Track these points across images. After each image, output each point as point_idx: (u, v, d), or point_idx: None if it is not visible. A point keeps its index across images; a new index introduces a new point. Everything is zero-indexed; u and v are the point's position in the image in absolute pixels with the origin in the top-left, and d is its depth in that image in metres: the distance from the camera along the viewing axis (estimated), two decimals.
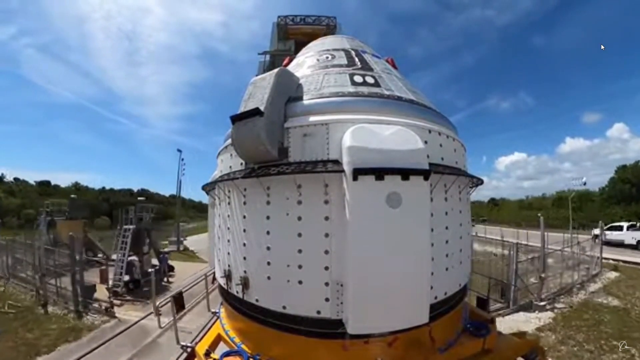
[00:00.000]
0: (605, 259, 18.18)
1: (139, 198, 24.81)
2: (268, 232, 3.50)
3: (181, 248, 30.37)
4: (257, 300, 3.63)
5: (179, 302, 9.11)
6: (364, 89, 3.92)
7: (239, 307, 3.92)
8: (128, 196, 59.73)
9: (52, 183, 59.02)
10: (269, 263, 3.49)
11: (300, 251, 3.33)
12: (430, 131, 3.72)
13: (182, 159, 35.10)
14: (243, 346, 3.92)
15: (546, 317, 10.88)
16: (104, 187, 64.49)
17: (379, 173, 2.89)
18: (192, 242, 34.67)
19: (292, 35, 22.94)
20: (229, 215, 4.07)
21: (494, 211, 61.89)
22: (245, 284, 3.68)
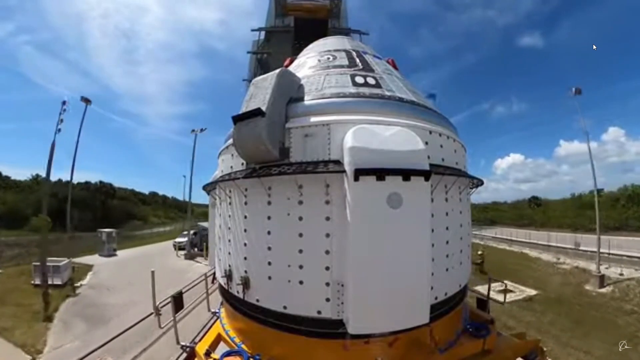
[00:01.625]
0: None
1: None
2: (269, 232, 3.51)
3: (61, 281, 15.58)
4: (257, 300, 3.63)
5: (178, 302, 9.11)
6: (365, 90, 3.94)
7: (240, 307, 3.93)
8: (84, 190, 47.96)
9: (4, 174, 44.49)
10: (269, 263, 3.50)
11: (301, 251, 3.34)
12: (430, 132, 3.73)
13: (64, 105, 21.08)
14: (243, 346, 3.92)
15: None
16: (59, 180, 47.22)
17: (380, 173, 2.90)
18: (122, 260, 22.94)
19: (291, 12, 22.00)
20: (230, 215, 4.08)
21: (537, 213, 49.11)
22: (245, 283, 3.69)
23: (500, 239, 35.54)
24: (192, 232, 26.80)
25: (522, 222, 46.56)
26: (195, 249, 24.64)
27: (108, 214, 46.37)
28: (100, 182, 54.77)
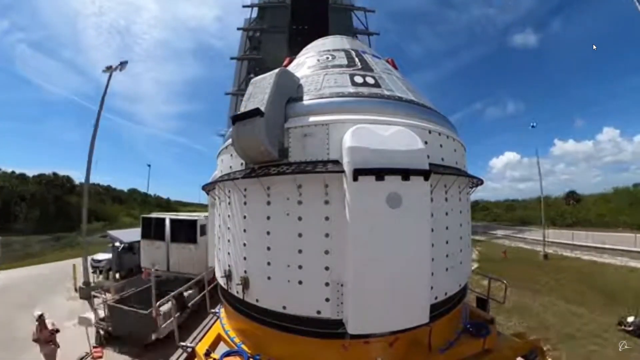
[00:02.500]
0: None
1: None
2: (268, 232, 3.51)
3: None
4: (257, 301, 3.63)
5: (179, 302, 9.09)
6: (364, 90, 3.93)
7: (239, 307, 3.93)
8: (36, 184, 39.10)
9: None
10: (269, 263, 3.49)
11: (300, 251, 3.33)
12: (430, 131, 3.73)
13: None
14: (243, 346, 3.92)
15: None
16: (12, 172, 40.48)
17: (379, 173, 2.90)
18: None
19: None
20: (229, 216, 4.07)
21: (581, 210, 40.89)
22: (245, 284, 3.68)
23: (568, 246, 26.92)
24: (111, 247, 16.53)
25: (565, 221, 39.16)
26: (110, 275, 14.89)
27: (64, 212, 37.43)
28: (54, 173, 43.30)
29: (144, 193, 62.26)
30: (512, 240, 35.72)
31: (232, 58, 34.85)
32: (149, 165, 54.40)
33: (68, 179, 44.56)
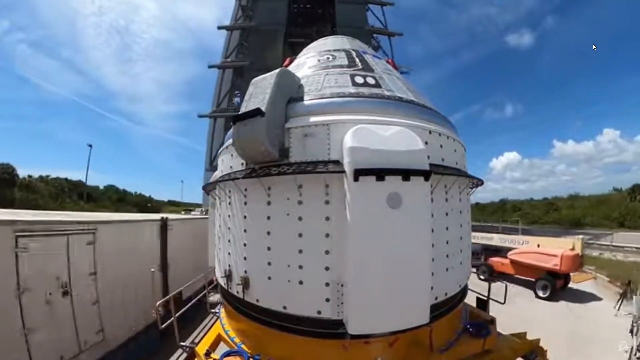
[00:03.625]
0: None
1: None
2: (269, 232, 3.51)
3: None
4: (257, 301, 3.63)
5: (178, 302, 9.05)
6: (365, 90, 3.93)
7: (240, 307, 3.93)
8: None
9: None
10: (269, 263, 3.50)
11: (300, 251, 3.34)
12: (430, 132, 3.73)
13: None
14: (243, 346, 3.92)
15: None
16: None
17: (380, 173, 2.90)
18: None
19: None
20: (229, 216, 4.07)
21: None
22: (245, 284, 3.68)
23: None
24: None
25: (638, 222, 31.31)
26: None
27: None
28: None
29: (123, 190, 53.32)
30: (614, 250, 24.39)
31: (220, 27, 32.13)
32: (90, 146, 40.93)
33: (7, 168, 34.43)
